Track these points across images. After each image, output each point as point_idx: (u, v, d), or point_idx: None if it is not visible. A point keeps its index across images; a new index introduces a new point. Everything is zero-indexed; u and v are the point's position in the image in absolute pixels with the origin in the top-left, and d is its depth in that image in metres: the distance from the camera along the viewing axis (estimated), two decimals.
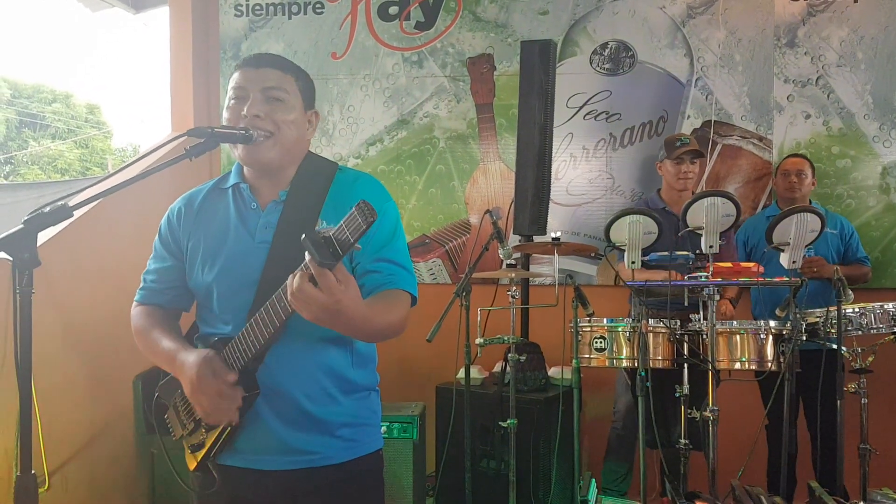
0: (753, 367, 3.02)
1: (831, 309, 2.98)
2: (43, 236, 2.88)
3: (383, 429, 3.21)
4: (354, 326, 1.44)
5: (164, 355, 1.65)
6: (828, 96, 3.98)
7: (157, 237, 1.76)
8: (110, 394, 3.29)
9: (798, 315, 2.90)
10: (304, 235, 1.26)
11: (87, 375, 3.14)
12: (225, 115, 1.64)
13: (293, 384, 1.58)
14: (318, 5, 4.36)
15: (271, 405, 1.59)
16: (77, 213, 1.40)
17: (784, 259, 2.97)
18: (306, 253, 1.27)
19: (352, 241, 1.23)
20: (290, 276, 1.34)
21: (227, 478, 1.63)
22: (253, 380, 1.55)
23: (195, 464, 1.65)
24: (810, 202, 3.72)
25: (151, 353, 1.69)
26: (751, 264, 2.96)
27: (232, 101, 1.62)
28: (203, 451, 1.62)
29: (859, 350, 3.03)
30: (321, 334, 1.56)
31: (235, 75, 1.64)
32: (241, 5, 4.42)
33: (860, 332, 3.05)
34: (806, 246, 2.99)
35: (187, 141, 1.50)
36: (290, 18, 4.39)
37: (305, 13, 4.38)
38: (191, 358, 1.56)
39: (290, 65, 1.68)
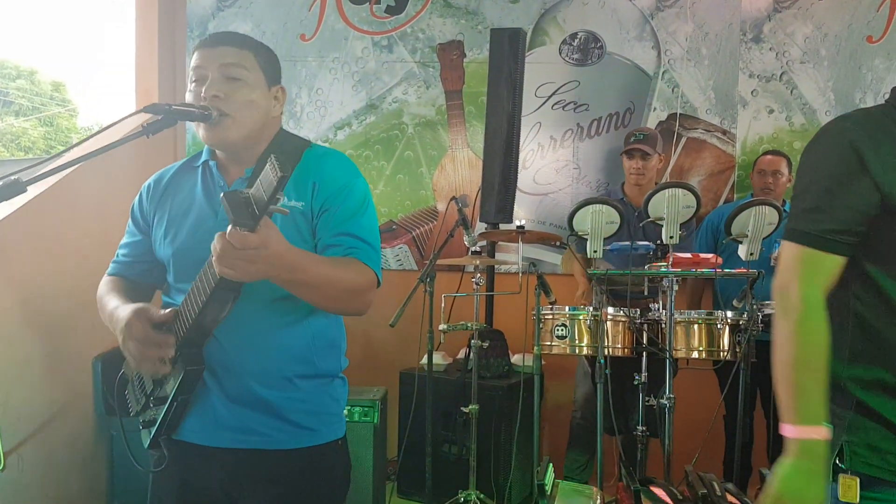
0: (710, 356, 3.08)
1: None
2: (1, 213, 2.84)
3: (344, 412, 3.22)
4: (307, 281, 1.42)
5: (107, 315, 1.62)
6: (791, 92, 4.05)
7: (130, 214, 1.76)
8: (68, 374, 3.25)
9: (755, 306, 2.96)
10: (222, 195, 1.24)
11: (44, 355, 3.10)
12: (187, 97, 1.61)
13: (246, 365, 1.57)
14: None
15: (221, 383, 1.57)
16: (33, 189, 1.38)
17: (742, 251, 3.03)
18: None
19: (266, 199, 1.19)
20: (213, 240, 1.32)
21: (179, 455, 1.61)
22: (198, 355, 1.53)
23: (149, 440, 1.63)
24: (784, 200, 3.77)
25: (104, 318, 1.65)
26: (710, 255, 3.01)
27: (192, 83, 1.59)
28: (154, 427, 1.61)
29: None
30: (280, 316, 1.56)
31: (194, 56, 1.60)
32: None
33: None
34: (764, 238, 3.04)
35: (146, 118, 1.49)
36: None
37: None
38: (125, 310, 1.54)
39: (249, 41, 1.63)
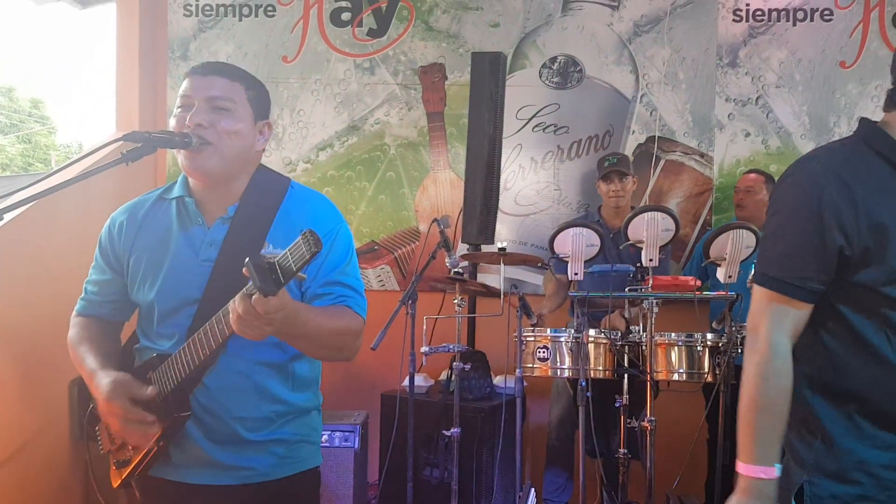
0: (691, 378, 3.09)
1: None
2: None
3: (324, 437, 3.19)
4: (305, 333, 1.46)
5: (85, 373, 1.63)
6: (766, 115, 4.11)
7: (97, 247, 1.72)
8: (44, 398, 3.20)
9: (733, 328, 2.98)
10: (247, 259, 1.24)
11: (20, 379, 3.05)
12: (171, 122, 1.59)
13: (228, 407, 1.57)
14: (269, 8, 4.33)
15: (203, 425, 1.57)
16: (8, 216, 1.37)
17: (720, 273, 3.05)
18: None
19: (294, 269, 1.22)
20: (232, 301, 1.34)
21: (157, 491, 1.60)
22: (185, 400, 1.53)
23: (119, 481, 1.62)
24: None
25: (78, 368, 1.67)
26: (688, 278, 3.03)
27: (178, 110, 1.58)
28: (129, 469, 1.59)
29: None
30: (261, 358, 1.56)
31: (184, 83, 1.59)
32: (191, 5, 4.35)
33: None
34: (743, 261, 3.07)
35: (124, 145, 1.47)
36: (240, 20, 4.35)
37: (256, 15, 4.34)
38: (105, 380, 1.54)
39: (240, 73, 1.62)
